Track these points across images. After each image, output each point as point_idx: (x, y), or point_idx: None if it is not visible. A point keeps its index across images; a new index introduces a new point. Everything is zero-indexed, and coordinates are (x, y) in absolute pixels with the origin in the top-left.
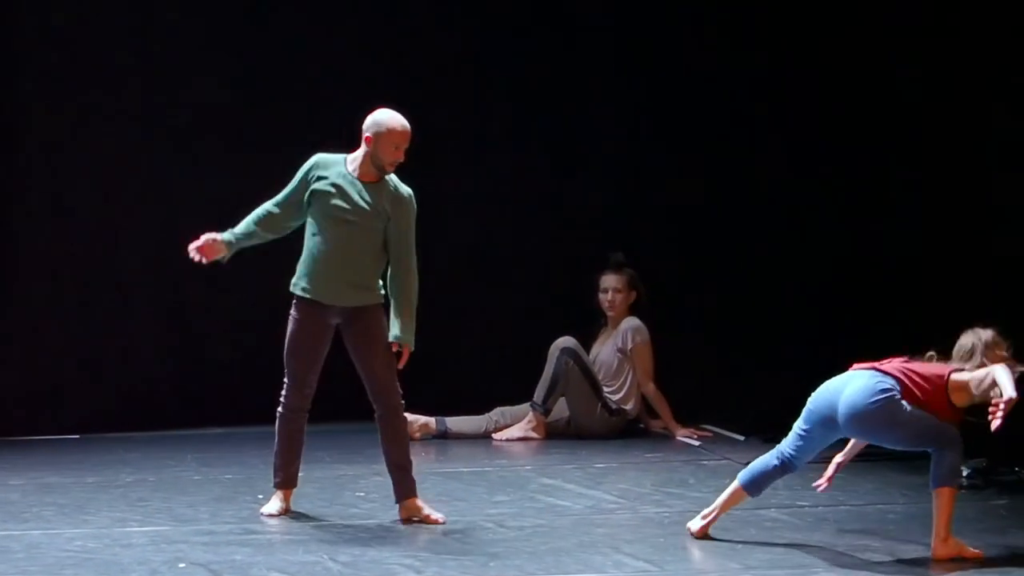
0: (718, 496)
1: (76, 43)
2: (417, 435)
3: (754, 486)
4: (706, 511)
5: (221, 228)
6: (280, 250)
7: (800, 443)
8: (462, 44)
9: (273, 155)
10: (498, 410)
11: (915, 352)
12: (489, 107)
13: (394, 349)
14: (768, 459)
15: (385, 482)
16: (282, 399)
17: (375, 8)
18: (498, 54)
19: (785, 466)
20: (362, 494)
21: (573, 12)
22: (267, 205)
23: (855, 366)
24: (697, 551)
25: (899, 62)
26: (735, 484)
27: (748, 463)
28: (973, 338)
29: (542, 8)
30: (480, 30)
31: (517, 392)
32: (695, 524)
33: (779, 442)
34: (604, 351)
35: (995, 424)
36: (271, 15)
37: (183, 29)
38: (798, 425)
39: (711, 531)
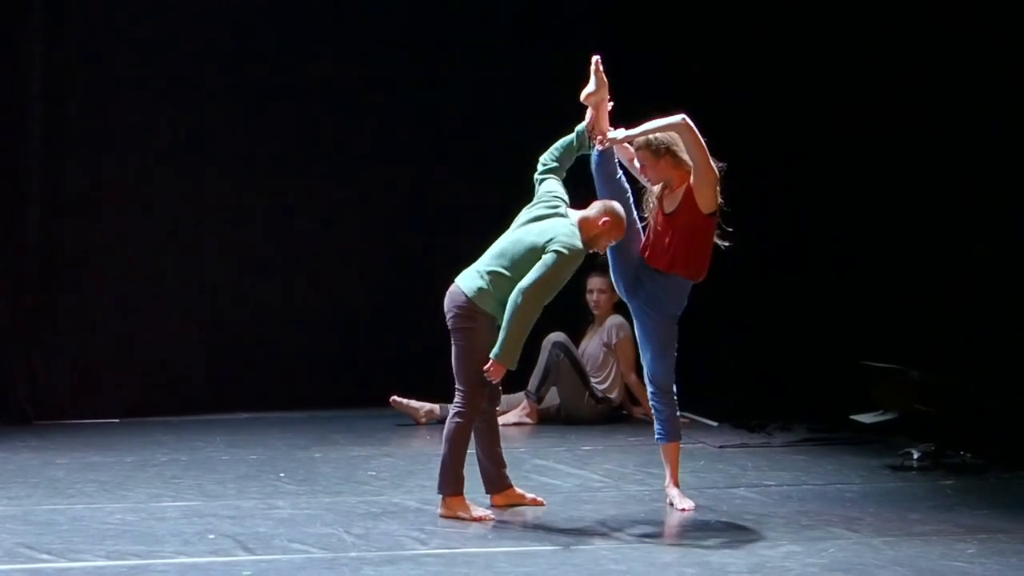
0: (692, 476)
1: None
2: (423, 420)
3: (672, 434)
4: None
5: (242, 221)
6: (306, 245)
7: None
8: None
9: (298, 149)
10: None
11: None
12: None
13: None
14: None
15: (394, 462)
16: (468, 407)
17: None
18: (486, 49)
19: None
20: (374, 473)
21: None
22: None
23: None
24: (675, 526)
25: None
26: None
27: (720, 447)
28: None
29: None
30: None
31: (513, 381)
32: (685, 503)
33: (749, 427)
34: (591, 345)
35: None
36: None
37: (220, 20)
38: None
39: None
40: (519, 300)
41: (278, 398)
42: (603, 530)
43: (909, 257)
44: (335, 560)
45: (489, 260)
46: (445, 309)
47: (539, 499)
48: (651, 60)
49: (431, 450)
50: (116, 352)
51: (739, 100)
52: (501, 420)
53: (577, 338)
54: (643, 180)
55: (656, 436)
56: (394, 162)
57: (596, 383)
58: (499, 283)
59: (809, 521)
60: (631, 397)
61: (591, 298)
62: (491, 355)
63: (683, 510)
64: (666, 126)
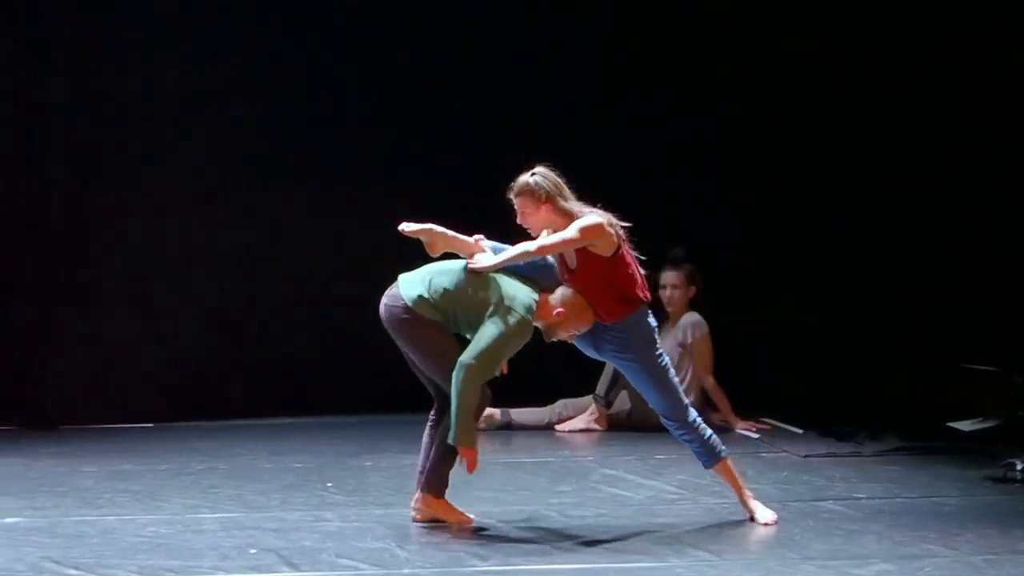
0: (775, 487)
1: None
2: (482, 425)
3: (713, 456)
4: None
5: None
6: (350, 244)
7: None
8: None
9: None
10: (561, 402)
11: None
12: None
13: None
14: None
15: (453, 472)
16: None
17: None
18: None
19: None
20: None
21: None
22: None
23: None
24: (756, 541)
25: None
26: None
27: (805, 456)
28: None
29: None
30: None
31: (580, 385)
32: (767, 515)
33: (837, 435)
34: (664, 345)
35: None
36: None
37: (245, 46)
38: None
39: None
40: (462, 376)
41: (325, 402)
42: (678, 546)
43: (1013, 254)
44: None
45: (437, 278)
46: (385, 320)
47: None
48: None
49: (490, 458)
50: (148, 353)
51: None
52: (567, 426)
53: None
54: (526, 227)
55: (702, 464)
56: (430, 162)
57: None
58: (442, 302)
59: (903, 537)
60: (708, 401)
61: (664, 294)
62: (450, 442)
63: (766, 524)
64: (521, 254)
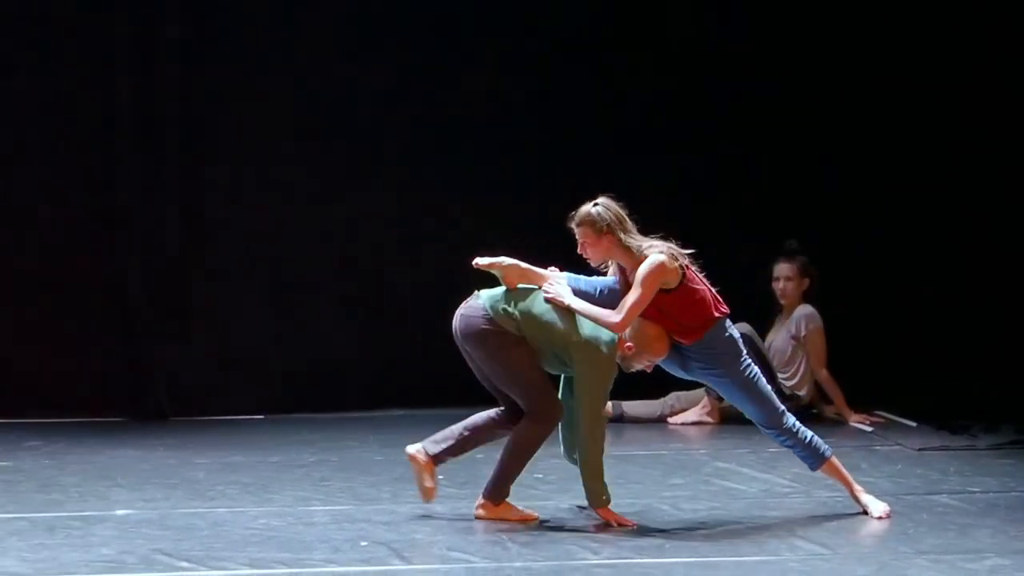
0: (889, 481)
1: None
2: None
3: (818, 457)
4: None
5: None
6: (463, 234)
7: None
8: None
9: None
10: (673, 395)
11: None
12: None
13: None
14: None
15: (561, 464)
16: (540, 419)
17: None
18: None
19: None
20: (540, 476)
21: None
22: None
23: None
24: (869, 535)
25: None
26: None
27: (920, 449)
28: None
29: None
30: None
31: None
32: (880, 508)
33: (951, 428)
34: (778, 338)
35: None
36: None
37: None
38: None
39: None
40: (586, 435)
41: (435, 394)
42: (791, 540)
43: None
44: (499, 570)
45: (520, 300)
46: (461, 331)
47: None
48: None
49: (609, 450)
50: (259, 344)
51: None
52: (679, 419)
53: (763, 330)
54: (586, 258)
55: (808, 467)
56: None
57: (783, 379)
58: (523, 322)
59: (1017, 532)
60: (822, 394)
61: (777, 286)
62: (590, 506)
63: (879, 517)
64: (600, 320)
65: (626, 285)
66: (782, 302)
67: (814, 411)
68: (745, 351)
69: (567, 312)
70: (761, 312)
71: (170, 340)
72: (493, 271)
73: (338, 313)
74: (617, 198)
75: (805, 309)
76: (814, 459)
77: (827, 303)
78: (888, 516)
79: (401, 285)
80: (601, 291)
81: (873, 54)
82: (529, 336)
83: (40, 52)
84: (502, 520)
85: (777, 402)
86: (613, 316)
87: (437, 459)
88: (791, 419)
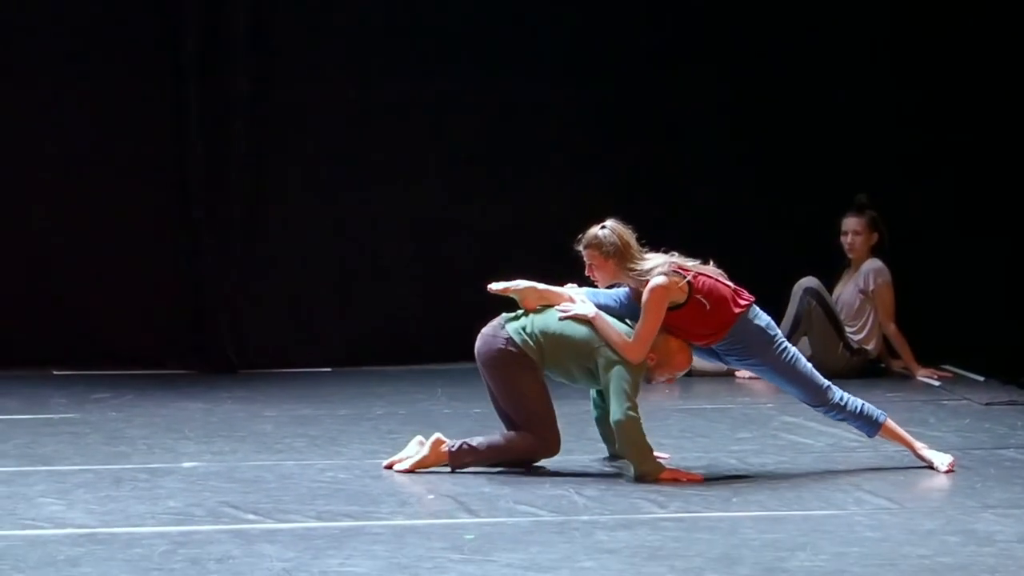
0: (956, 435)
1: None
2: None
3: (872, 425)
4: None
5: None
6: (541, 197)
7: None
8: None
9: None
10: None
11: None
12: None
13: None
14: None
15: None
16: (539, 444)
17: None
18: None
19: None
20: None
21: None
22: None
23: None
24: (936, 490)
25: None
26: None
27: (987, 404)
28: None
29: None
30: None
31: None
32: (944, 460)
33: (1019, 383)
34: (846, 292)
35: None
36: None
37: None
38: None
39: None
40: (627, 428)
41: None
42: (858, 494)
43: None
44: (565, 524)
45: (538, 319)
46: (481, 353)
47: None
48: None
49: (670, 405)
50: (328, 297)
51: None
52: (747, 373)
53: (831, 283)
54: (593, 279)
55: (866, 435)
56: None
57: (851, 333)
58: (544, 341)
59: None
60: (890, 349)
61: (845, 240)
62: (636, 480)
63: (947, 471)
64: (617, 341)
65: (638, 296)
66: (850, 256)
67: (881, 365)
68: (778, 334)
69: (586, 328)
70: (827, 266)
71: (239, 293)
72: (510, 295)
73: (406, 266)
74: (626, 221)
75: (874, 263)
76: (870, 427)
77: (896, 257)
78: (953, 468)
79: (466, 240)
80: (621, 301)
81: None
82: (552, 357)
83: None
84: (421, 466)
85: (820, 379)
86: (629, 347)
87: (456, 459)
88: (837, 392)
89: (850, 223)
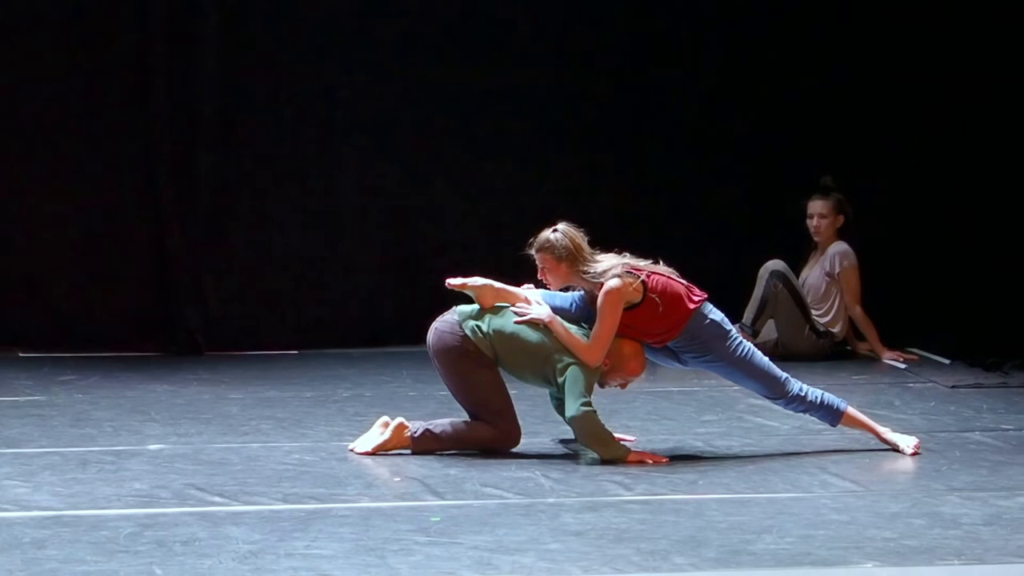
0: (922, 418)
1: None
2: None
3: (834, 415)
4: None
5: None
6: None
7: None
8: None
9: None
10: None
11: None
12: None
13: None
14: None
15: (597, 400)
16: (500, 432)
17: None
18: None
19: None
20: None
21: None
22: None
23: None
24: (902, 472)
25: None
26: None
27: (953, 386)
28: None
29: None
30: None
31: (726, 313)
32: (908, 442)
33: (985, 366)
34: (812, 275)
35: None
36: None
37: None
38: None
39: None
40: (582, 425)
41: None
42: (824, 477)
43: None
44: (532, 506)
45: (495, 319)
46: (434, 347)
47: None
48: None
49: (636, 387)
50: (294, 279)
51: None
52: None
53: (797, 267)
54: (546, 283)
55: (828, 424)
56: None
57: (817, 315)
58: (497, 341)
59: None
60: (856, 332)
61: (811, 223)
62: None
63: (912, 454)
64: (575, 344)
65: (592, 299)
66: (816, 239)
67: (848, 348)
68: (732, 329)
69: (543, 330)
70: (792, 249)
71: (205, 275)
72: (466, 291)
73: (372, 249)
74: (578, 224)
75: (840, 246)
76: (832, 416)
77: (862, 240)
78: (919, 450)
79: (435, 221)
80: (576, 304)
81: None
82: (506, 358)
83: None
84: (383, 450)
85: (777, 371)
86: (586, 349)
87: (420, 443)
88: (796, 384)
89: (815, 206)
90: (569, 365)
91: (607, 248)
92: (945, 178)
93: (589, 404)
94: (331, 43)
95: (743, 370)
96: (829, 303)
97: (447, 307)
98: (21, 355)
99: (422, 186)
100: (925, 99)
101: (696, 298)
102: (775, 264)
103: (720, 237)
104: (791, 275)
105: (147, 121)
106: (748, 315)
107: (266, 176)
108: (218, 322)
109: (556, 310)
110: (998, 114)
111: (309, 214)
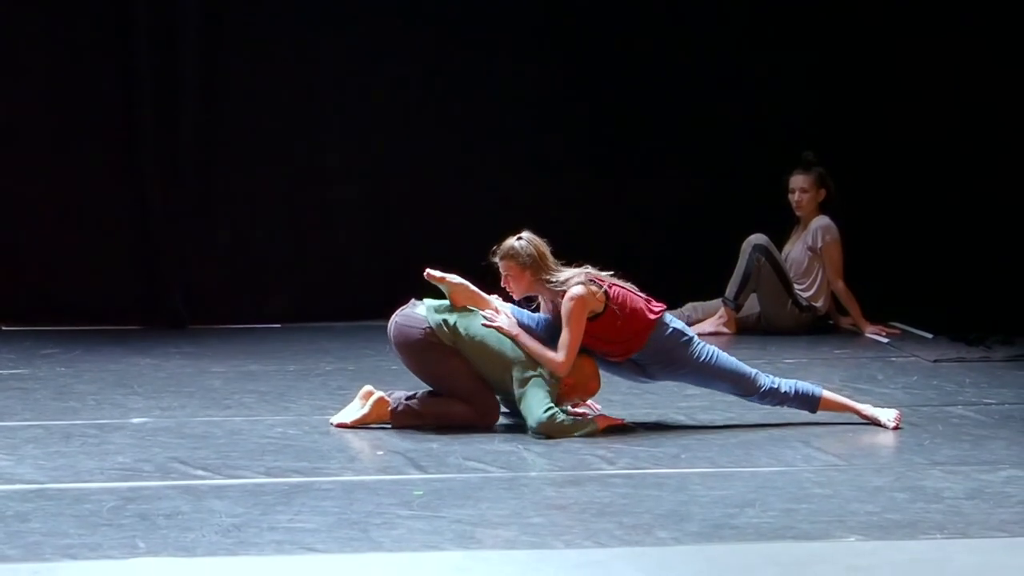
0: (904, 392)
1: None
2: None
3: (811, 402)
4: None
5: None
6: (491, 162)
7: None
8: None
9: None
10: (690, 305)
11: None
12: None
13: None
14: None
15: None
16: (479, 412)
17: None
18: None
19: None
20: None
21: None
22: None
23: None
24: (884, 447)
25: None
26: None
27: (935, 360)
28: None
29: None
30: None
31: (709, 288)
32: (889, 416)
33: (967, 340)
34: (795, 249)
35: None
36: None
37: None
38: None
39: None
40: (545, 423)
41: None
42: (807, 451)
43: None
44: (514, 480)
45: (461, 319)
46: (396, 341)
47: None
48: None
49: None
50: (277, 253)
51: None
52: (696, 329)
53: (780, 241)
54: (509, 291)
55: (808, 412)
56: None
57: (800, 290)
58: (461, 341)
59: None
60: (838, 306)
61: (792, 198)
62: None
63: (894, 427)
64: (541, 357)
65: (555, 315)
66: (798, 214)
67: (830, 322)
68: (693, 336)
69: (507, 341)
70: (775, 224)
71: (188, 248)
72: (442, 285)
73: (355, 223)
74: (541, 232)
75: (822, 220)
76: (809, 404)
77: (844, 214)
78: (899, 421)
79: (416, 199)
80: (539, 324)
81: None
82: (465, 354)
83: None
84: (363, 423)
85: (745, 368)
86: (556, 357)
87: (401, 416)
88: (767, 378)
89: (797, 180)
90: (530, 378)
91: (569, 262)
92: (927, 152)
93: (549, 410)
94: (313, 12)
95: (710, 373)
96: (812, 277)
97: (427, 288)
98: (4, 328)
99: (406, 167)
100: (904, 72)
101: (656, 309)
102: (757, 238)
103: (703, 212)
104: (773, 249)
105: (130, 95)
106: (731, 289)
107: (249, 150)
108: (201, 295)
109: (522, 327)
110: (979, 86)
111: (293, 188)
